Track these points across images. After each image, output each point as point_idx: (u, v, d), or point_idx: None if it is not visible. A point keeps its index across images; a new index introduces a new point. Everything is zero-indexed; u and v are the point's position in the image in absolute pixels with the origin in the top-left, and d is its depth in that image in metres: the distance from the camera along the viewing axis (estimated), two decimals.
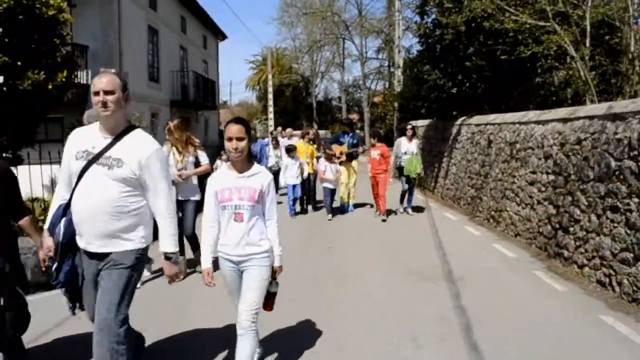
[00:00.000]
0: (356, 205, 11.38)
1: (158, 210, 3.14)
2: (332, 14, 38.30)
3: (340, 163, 10.75)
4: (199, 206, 5.78)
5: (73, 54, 10.47)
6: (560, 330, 4.49)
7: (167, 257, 3.22)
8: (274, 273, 3.42)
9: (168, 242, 3.18)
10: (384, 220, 9.89)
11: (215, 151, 20.41)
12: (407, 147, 10.47)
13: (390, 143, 13.58)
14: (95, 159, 2.98)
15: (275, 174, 10.95)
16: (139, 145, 3.05)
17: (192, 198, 6.21)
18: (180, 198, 6.07)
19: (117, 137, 3.04)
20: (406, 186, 10.55)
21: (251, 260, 3.27)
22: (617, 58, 9.41)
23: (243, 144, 3.17)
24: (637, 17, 8.49)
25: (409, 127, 10.76)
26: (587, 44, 8.59)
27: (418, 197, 13.06)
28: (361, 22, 37.48)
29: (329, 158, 10.49)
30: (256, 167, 3.34)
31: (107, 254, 3.05)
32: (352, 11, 41.30)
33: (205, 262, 3.33)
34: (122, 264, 3.03)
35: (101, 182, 2.97)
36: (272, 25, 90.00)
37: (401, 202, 10.84)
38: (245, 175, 3.26)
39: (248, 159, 3.28)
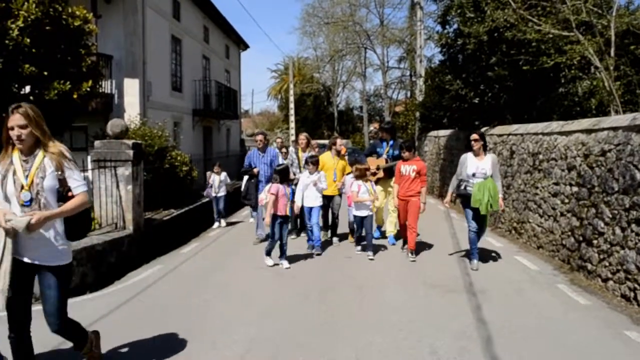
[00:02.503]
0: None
1: None
2: (354, 24, 38.50)
3: (377, 181, 8.42)
4: (69, 277, 3.39)
5: (98, 64, 10.65)
6: (584, 345, 4.40)
7: None
8: None
9: None
10: (413, 261, 7.50)
11: (237, 162, 20.16)
12: (477, 167, 6.88)
13: None
14: None
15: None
16: None
17: (57, 263, 3.23)
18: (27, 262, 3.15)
19: None
20: (473, 224, 6.94)
21: None
22: None
23: None
24: None
25: (475, 136, 6.99)
26: (612, 53, 8.46)
27: (439, 207, 12.98)
28: (383, 32, 37.60)
29: (362, 175, 7.74)
30: None
31: None
32: (373, 21, 41.57)
33: None
34: None
35: None
36: (294, 34, 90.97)
37: (472, 247, 7.13)
38: None
39: None
